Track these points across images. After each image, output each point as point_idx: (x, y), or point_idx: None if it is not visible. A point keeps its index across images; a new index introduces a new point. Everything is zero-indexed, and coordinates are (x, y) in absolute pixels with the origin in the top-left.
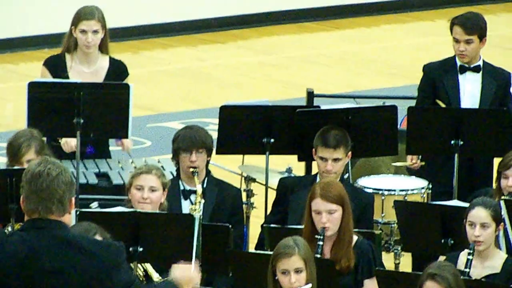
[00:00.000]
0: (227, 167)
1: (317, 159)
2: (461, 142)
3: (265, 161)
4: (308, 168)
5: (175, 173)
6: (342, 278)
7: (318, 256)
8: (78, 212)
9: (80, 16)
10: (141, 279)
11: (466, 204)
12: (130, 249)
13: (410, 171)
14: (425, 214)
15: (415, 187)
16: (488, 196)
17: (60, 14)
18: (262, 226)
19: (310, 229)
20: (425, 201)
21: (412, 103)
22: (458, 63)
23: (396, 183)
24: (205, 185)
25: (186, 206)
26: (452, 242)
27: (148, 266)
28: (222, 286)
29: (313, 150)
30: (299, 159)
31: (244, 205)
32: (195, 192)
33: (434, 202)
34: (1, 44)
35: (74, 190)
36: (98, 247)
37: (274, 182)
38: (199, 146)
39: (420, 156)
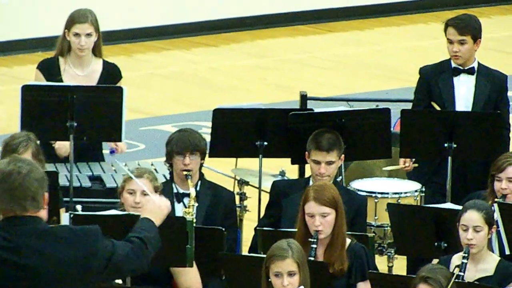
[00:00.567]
0: (220, 170)
1: (310, 162)
2: (455, 145)
3: (259, 164)
4: (302, 171)
5: (168, 176)
6: (335, 281)
7: (312, 259)
8: (72, 215)
9: (74, 19)
10: None
11: (460, 207)
12: None
13: (407, 174)
14: (419, 217)
15: (408, 190)
16: (481, 199)
17: (53, 17)
18: (255, 229)
19: (304, 232)
20: (418, 204)
21: (406, 106)
22: (453, 65)
23: (389, 186)
24: (198, 188)
25: (179, 209)
26: (445, 245)
27: None
28: None
29: (306, 153)
30: (292, 162)
31: (237, 208)
32: (188, 195)
33: (427, 205)
34: None
35: (46, 185)
36: (75, 233)
37: (267, 185)
38: (193, 149)
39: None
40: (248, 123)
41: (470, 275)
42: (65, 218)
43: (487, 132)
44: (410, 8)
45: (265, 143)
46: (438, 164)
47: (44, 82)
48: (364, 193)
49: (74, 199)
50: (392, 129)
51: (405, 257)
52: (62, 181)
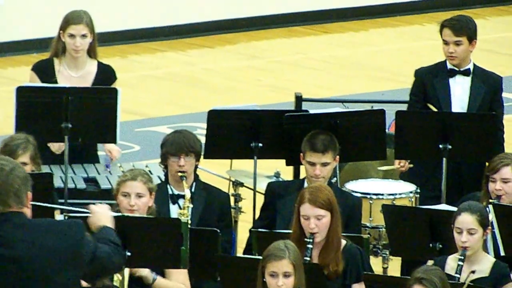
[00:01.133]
0: (215, 172)
1: (305, 163)
2: (449, 146)
3: (253, 165)
4: (296, 173)
5: (163, 178)
6: (330, 283)
7: (307, 259)
8: (67, 217)
9: (68, 20)
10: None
11: (455, 208)
12: None
13: (401, 175)
14: (413, 218)
15: (403, 191)
16: (476, 200)
17: (48, 18)
18: (250, 230)
19: (299, 233)
20: (413, 205)
21: (401, 107)
22: (449, 66)
23: (384, 187)
24: (193, 190)
25: (174, 211)
26: (440, 246)
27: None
28: None
29: (301, 154)
30: (287, 164)
31: (232, 210)
32: (183, 196)
33: (422, 206)
34: None
35: (30, 185)
36: (62, 226)
37: (262, 186)
38: (188, 151)
39: None
40: (243, 124)
41: (465, 277)
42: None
43: (482, 133)
44: (405, 9)
45: (260, 144)
46: (433, 166)
47: (38, 84)
48: (359, 194)
49: (69, 201)
50: (387, 130)
51: (400, 258)
52: (57, 182)
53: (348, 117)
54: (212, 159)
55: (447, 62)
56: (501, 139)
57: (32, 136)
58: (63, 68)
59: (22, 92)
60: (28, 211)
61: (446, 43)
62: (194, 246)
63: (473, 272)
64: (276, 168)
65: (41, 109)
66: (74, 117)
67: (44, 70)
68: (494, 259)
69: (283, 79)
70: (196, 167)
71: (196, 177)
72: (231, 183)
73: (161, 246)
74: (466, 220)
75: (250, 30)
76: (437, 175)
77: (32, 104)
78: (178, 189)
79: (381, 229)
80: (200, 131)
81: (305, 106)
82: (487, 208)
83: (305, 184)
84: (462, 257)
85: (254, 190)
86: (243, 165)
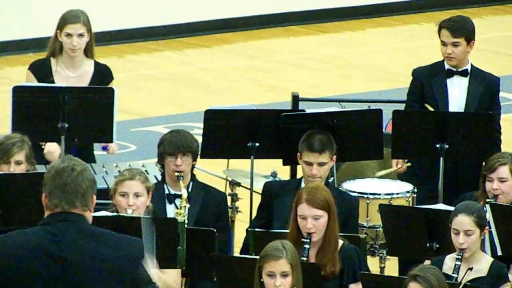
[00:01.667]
0: (212, 171)
1: (302, 163)
2: (446, 146)
3: (250, 165)
4: (293, 172)
5: (160, 177)
6: (328, 283)
7: (305, 259)
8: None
9: (66, 19)
10: None
11: (452, 208)
12: None
13: (398, 175)
14: (410, 218)
15: (400, 191)
16: (473, 200)
17: (45, 18)
18: (247, 230)
19: (296, 233)
20: (410, 205)
21: (398, 106)
22: (446, 67)
23: (381, 187)
24: (190, 190)
25: (171, 210)
26: (437, 246)
27: None
28: None
29: (298, 154)
30: (284, 163)
31: (229, 209)
32: (180, 196)
33: (419, 206)
34: None
35: (96, 188)
36: (123, 240)
37: (259, 186)
38: (185, 151)
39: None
40: (240, 124)
41: (463, 275)
42: None
43: (479, 132)
44: (402, 9)
45: (257, 144)
46: (430, 166)
47: (35, 83)
48: (356, 194)
49: None
50: (384, 130)
51: (397, 258)
52: None
53: (345, 117)
54: (209, 158)
55: (445, 62)
56: (498, 140)
57: (29, 136)
58: (60, 67)
59: (19, 92)
60: (90, 215)
61: (444, 44)
62: (191, 246)
63: (470, 269)
64: (273, 167)
65: (37, 109)
66: (71, 117)
67: (41, 69)
68: (491, 259)
69: (280, 79)
70: (193, 166)
71: (193, 176)
72: (228, 182)
73: (158, 246)
74: (463, 221)
75: (248, 29)
76: (434, 174)
77: (29, 104)
78: (175, 189)
79: (378, 229)
80: (197, 130)
81: (302, 105)
82: (484, 208)
83: (302, 184)
84: (460, 257)
85: (251, 189)
86: (240, 164)
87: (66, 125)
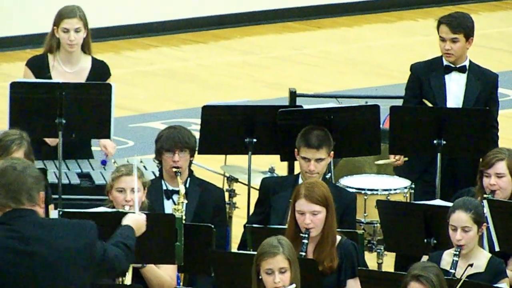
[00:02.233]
0: (210, 167)
1: (299, 159)
2: (444, 142)
3: (248, 161)
4: (291, 168)
5: (157, 173)
6: (325, 278)
7: (303, 254)
8: (61, 213)
9: (62, 15)
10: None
11: (449, 204)
12: None
13: (395, 170)
14: (408, 213)
15: (397, 186)
16: (471, 195)
17: (42, 14)
18: (244, 226)
19: (294, 229)
20: (408, 200)
21: (395, 102)
22: (445, 63)
23: (379, 183)
24: (187, 185)
25: (168, 206)
26: (435, 241)
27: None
28: (205, 287)
29: (296, 150)
30: (282, 159)
31: (226, 205)
32: (177, 192)
33: (417, 202)
34: None
35: (43, 185)
36: (77, 227)
37: (256, 182)
38: (182, 146)
39: None
40: (237, 120)
41: (461, 272)
42: (53, 215)
43: (476, 128)
44: (399, 5)
45: (254, 140)
46: (428, 162)
47: (32, 79)
48: (354, 190)
49: (63, 196)
50: (381, 125)
51: (394, 253)
52: (51, 178)
53: (342, 113)
54: (207, 154)
55: (443, 58)
56: (495, 136)
57: (26, 132)
58: (58, 63)
59: (16, 88)
60: (40, 210)
61: (442, 39)
62: (189, 241)
63: (470, 265)
64: (270, 163)
65: (35, 104)
66: (68, 113)
67: (39, 65)
68: (489, 255)
69: (277, 75)
70: (190, 162)
71: (191, 172)
72: (225, 178)
73: (155, 242)
74: (460, 218)
75: (244, 25)
76: (431, 170)
77: (26, 100)
78: (173, 185)
79: (375, 225)
80: (195, 126)
81: (299, 101)
82: (482, 204)
83: (300, 180)
84: (457, 253)
85: (249, 185)
86: (238, 160)
87: (64, 121)
